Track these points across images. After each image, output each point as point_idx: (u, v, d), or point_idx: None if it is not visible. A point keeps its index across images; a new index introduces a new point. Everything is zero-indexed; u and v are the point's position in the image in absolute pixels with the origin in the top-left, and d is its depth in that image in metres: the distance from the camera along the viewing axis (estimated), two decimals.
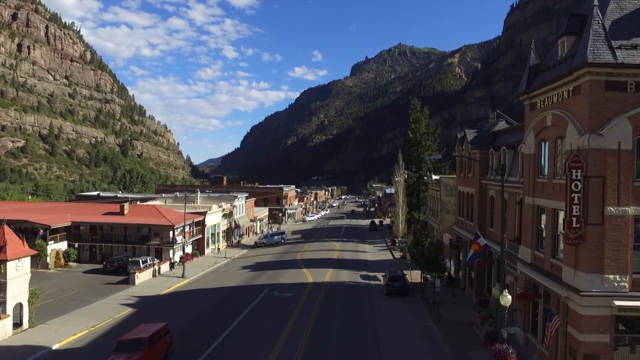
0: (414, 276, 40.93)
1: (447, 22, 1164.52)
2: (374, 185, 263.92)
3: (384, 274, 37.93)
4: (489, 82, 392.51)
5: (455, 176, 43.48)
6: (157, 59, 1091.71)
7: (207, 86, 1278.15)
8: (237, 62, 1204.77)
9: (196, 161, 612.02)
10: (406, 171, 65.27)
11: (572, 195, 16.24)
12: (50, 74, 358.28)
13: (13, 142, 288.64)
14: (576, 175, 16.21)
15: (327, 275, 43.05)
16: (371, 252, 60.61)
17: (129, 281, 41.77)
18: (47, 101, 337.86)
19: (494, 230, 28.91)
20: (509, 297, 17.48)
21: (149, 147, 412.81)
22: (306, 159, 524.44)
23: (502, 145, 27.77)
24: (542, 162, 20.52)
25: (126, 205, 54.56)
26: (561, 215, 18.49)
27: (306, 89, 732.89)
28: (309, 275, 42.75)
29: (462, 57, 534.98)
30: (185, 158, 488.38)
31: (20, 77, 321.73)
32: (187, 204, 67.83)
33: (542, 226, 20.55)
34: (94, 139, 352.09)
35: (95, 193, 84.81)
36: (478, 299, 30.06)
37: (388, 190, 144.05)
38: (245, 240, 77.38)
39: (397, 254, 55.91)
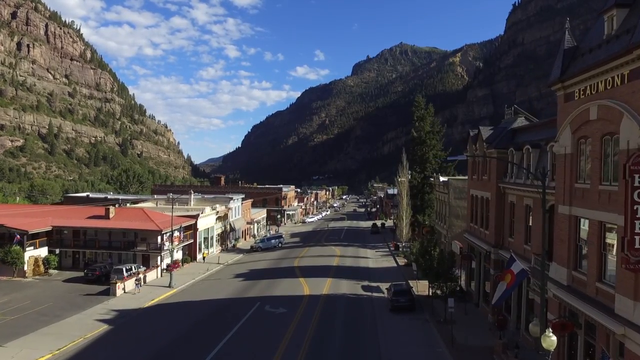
0: (421, 287, 37.40)
1: (449, 21, 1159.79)
2: (375, 185, 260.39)
3: (387, 286, 34.38)
4: (491, 81, 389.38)
5: (466, 178, 39.98)
6: (159, 58, 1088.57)
7: (209, 86, 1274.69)
8: (239, 62, 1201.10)
9: (197, 161, 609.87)
10: (410, 172, 61.72)
11: (635, 208, 12.71)
12: (50, 73, 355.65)
13: (12, 141, 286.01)
14: (639, 182, 12.69)
15: (326, 285, 39.51)
16: (373, 258, 57.06)
17: (109, 292, 38.32)
18: (46, 100, 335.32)
19: (514, 240, 25.39)
20: (554, 338, 13.98)
21: (149, 146, 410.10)
22: (307, 158, 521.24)
23: (524, 143, 24.23)
24: (583, 163, 16.99)
25: (112, 208, 51.12)
26: (610, 229, 14.99)
27: (307, 88, 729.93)
28: (305, 286, 39.21)
29: (463, 56, 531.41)
30: (185, 157, 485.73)
31: (20, 75, 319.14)
32: (180, 206, 64.52)
33: (582, 241, 17.03)
34: (93, 138, 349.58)
35: (84, 194, 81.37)
36: (495, 317, 26.53)
37: (390, 191, 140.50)
38: (241, 244, 73.93)
39: (401, 261, 52.35)
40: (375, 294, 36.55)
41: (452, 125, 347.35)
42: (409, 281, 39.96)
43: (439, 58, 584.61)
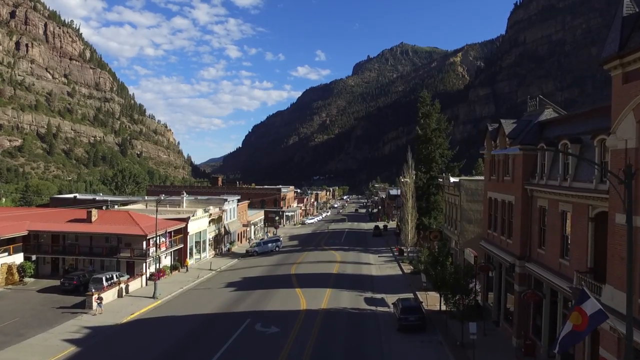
0: (430, 300, 33.62)
1: (449, 21, 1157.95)
2: (376, 185, 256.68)
3: (394, 301, 30.47)
4: (493, 81, 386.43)
5: (480, 178, 36.36)
6: (161, 58, 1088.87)
7: (210, 86, 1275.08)
8: (240, 62, 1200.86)
9: (198, 161, 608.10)
10: (414, 171, 57.98)
11: None
12: (49, 72, 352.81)
13: (10, 141, 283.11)
14: None
15: (325, 297, 35.67)
16: (376, 264, 53.22)
17: (85, 305, 34.51)
18: (45, 100, 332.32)
19: (545, 253, 21.59)
20: None
21: (149, 146, 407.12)
22: (308, 158, 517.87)
23: (560, 138, 20.39)
24: None
25: (94, 211, 47.33)
26: None
27: (308, 88, 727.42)
28: (302, 299, 35.37)
29: (464, 56, 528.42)
30: (185, 157, 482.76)
31: (18, 75, 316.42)
32: (171, 208, 60.88)
33: None
34: (92, 138, 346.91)
35: (71, 196, 77.63)
36: (522, 342, 22.78)
37: (392, 192, 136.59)
38: (236, 247, 70.19)
39: (407, 268, 48.53)
40: (379, 308, 32.70)
41: (453, 124, 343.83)
42: (417, 293, 36.20)
43: (439, 58, 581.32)
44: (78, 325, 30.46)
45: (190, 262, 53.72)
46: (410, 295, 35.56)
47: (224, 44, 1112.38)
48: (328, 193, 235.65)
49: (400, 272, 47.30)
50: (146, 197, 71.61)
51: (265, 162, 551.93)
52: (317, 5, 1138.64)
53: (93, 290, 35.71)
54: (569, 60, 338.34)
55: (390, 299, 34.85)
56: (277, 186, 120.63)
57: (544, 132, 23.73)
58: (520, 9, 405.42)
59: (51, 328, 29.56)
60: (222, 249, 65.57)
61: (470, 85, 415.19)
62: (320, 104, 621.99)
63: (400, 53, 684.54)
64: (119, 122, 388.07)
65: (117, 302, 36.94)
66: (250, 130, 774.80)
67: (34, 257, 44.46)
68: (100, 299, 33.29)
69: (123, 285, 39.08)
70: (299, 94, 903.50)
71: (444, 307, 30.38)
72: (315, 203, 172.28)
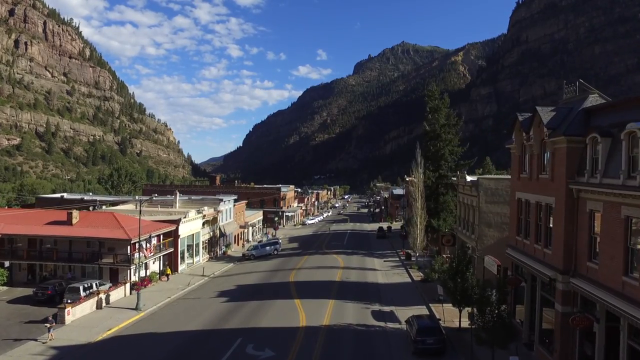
0: (447, 315, 29.58)
1: (451, 21, 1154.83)
2: (378, 184, 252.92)
3: (407, 318, 26.33)
4: (495, 80, 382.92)
5: (503, 177, 32.49)
6: (162, 57, 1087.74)
7: (211, 85, 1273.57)
8: (241, 61, 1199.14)
9: (198, 160, 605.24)
10: (422, 169, 54.09)
11: None
12: (48, 71, 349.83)
13: (8, 139, 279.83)
14: None
15: (327, 311, 31.66)
16: (382, 269, 49.22)
17: (56, 319, 30.55)
18: (44, 98, 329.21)
19: (598, 267, 17.60)
20: None
21: (149, 145, 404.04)
22: (308, 157, 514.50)
23: (618, 126, 16.37)
24: None
25: (75, 212, 43.37)
26: None
27: (309, 87, 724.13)
28: (301, 312, 31.36)
29: (466, 55, 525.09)
30: (185, 156, 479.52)
31: (17, 73, 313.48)
32: (163, 209, 57.14)
33: None
34: (92, 137, 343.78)
35: (58, 195, 73.71)
36: None
37: (396, 191, 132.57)
38: (233, 250, 66.32)
39: (416, 274, 44.52)
40: (389, 325, 28.71)
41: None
42: (431, 305, 32.22)
43: (441, 57, 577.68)
44: (45, 345, 26.54)
45: (181, 267, 49.93)
46: (424, 309, 31.65)
47: (225, 43, 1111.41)
48: (329, 192, 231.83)
49: (409, 280, 43.27)
50: (137, 197, 67.60)
51: (266, 161, 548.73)
52: (319, 5, 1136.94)
53: (65, 302, 31.84)
54: (571, 58, 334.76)
55: (401, 312, 30.98)
56: (277, 185, 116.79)
57: (591, 120, 19.75)
58: (522, 8, 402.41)
59: (11, 349, 25.69)
60: (217, 252, 61.71)
61: (472, 84, 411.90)
62: (321, 103, 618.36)
63: (402, 52, 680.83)
64: (118, 121, 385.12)
65: (94, 314, 33.04)
66: (251, 130, 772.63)
67: (7, 263, 40.64)
68: (51, 321, 27.82)
69: (103, 295, 35.17)
70: (299, 93, 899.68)
71: (464, 324, 26.53)
72: (316, 203, 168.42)
